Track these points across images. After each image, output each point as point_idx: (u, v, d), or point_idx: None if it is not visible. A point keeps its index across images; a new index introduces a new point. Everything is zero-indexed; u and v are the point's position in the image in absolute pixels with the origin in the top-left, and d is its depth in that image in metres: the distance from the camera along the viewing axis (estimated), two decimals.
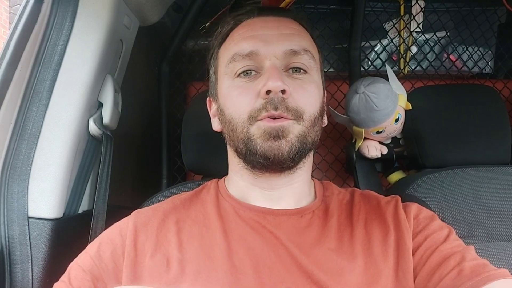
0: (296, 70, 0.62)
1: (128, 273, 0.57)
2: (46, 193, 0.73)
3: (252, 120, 0.59)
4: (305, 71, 0.63)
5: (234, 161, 0.67)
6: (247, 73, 0.62)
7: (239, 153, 0.63)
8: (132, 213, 0.65)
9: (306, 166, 0.66)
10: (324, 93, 0.68)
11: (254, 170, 0.63)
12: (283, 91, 0.58)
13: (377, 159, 1.08)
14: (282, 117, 0.58)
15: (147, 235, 0.60)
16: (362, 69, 1.35)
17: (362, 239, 0.60)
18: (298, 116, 0.59)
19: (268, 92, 0.58)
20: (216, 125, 0.69)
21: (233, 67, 0.62)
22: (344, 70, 1.37)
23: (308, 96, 0.61)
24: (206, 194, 0.68)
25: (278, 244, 0.58)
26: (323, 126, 0.68)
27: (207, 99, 0.73)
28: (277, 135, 0.58)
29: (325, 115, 0.69)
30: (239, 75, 0.62)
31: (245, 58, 0.61)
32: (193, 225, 0.62)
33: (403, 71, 1.41)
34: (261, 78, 0.60)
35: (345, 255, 0.58)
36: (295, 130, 0.59)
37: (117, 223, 0.65)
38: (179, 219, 0.63)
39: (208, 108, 0.73)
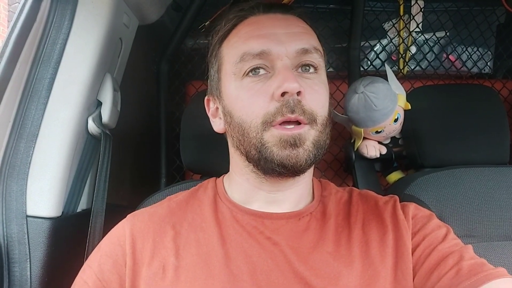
0: (306, 69, 0.60)
1: (128, 283, 0.57)
2: (44, 191, 0.73)
3: (267, 125, 0.57)
4: (315, 70, 0.61)
5: (239, 164, 0.64)
6: (255, 71, 0.59)
7: (249, 158, 0.60)
8: (127, 217, 0.64)
9: (312, 167, 0.65)
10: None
11: (266, 175, 0.61)
12: (298, 93, 0.56)
13: (376, 159, 1.08)
14: (298, 121, 0.56)
15: (143, 243, 0.60)
16: (362, 69, 1.35)
17: (359, 241, 0.60)
18: (312, 120, 0.57)
19: (283, 94, 0.56)
20: (218, 126, 0.66)
21: (242, 66, 0.59)
22: (343, 69, 1.37)
23: (319, 97, 0.60)
24: (203, 195, 0.66)
25: (276, 250, 0.58)
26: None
27: (205, 98, 0.70)
28: (294, 143, 0.56)
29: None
30: (247, 74, 0.59)
31: (255, 58, 0.58)
32: (189, 229, 0.61)
33: (402, 71, 1.42)
34: (273, 79, 0.57)
35: (342, 259, 0.57)
36: (310, 136, 0.57)
37: (114, 230, 0.64)
38: (176, 223, 0.62)
39: (206, 108, 0.70)
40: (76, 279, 0.61)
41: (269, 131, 0.57)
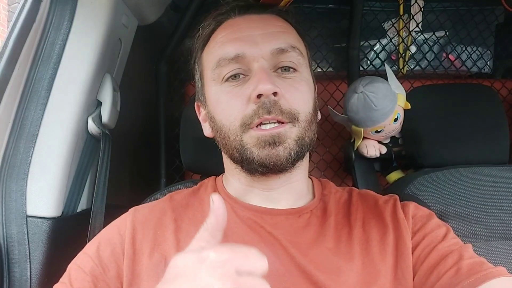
0: (285, 69, 0.60)
1: (127, 272, 0.57)
2: (44, 192, 0.73)
3: (245, 127, 0.58)
4: (295, 69, 0.61)
5: (229, 166, 0.66)
6: (235, 76, 0.60)
7: (234, 160, 0.62)
8: (129, 210, 0.65)
9: (304, 164, 0.65)
10: (315, 88, 0.67)
11: (252, 176, 0.62)
12: (274, 93, 0.56)
13: (375, 159, 1.08)
14: (277, 121, 0.57)
15: (144, 234, 0.60)
16: (361, 68, 1.35)
17: (359, 239, 0.60)
18: (293, 118, 0.58)
19: (259, 96, 0.56)
20: (207, 131, 0.68)
21: (219, 72, 0.60)
22: (343, 69, 1.37)
23: (301, 95, 0.60)
24: (203, 193, 0.67)
25: (277, 244, 0.58)
26: (318, 121, 0.66)
27: (195, 104, 0.71)
28: (273, 142, 0.56)
29: (318, 110, 0.67)
30: (227, 79, 0.60)
31: (231, 62, 0.59)
32: (190, 224, 0.61)
33: (402, 70, 1.42)
34: (250, 82, 0.58)
35: (342, 255, 0.58)
36: (292, 134, 0.58)
37: (115, 221, 0.64)
38: (177, 217, 0.62)
39: (197, 113, 0.71)
40: (69, 267, 0.59)
41: (247, 133, 0.58)
